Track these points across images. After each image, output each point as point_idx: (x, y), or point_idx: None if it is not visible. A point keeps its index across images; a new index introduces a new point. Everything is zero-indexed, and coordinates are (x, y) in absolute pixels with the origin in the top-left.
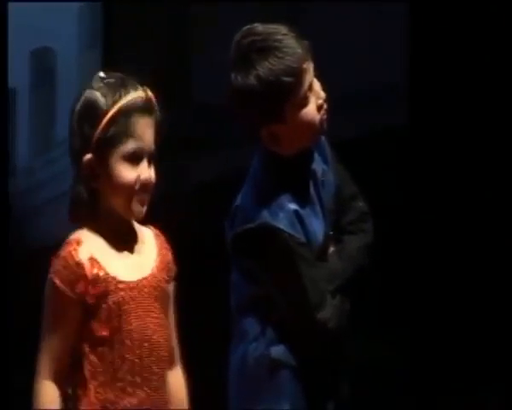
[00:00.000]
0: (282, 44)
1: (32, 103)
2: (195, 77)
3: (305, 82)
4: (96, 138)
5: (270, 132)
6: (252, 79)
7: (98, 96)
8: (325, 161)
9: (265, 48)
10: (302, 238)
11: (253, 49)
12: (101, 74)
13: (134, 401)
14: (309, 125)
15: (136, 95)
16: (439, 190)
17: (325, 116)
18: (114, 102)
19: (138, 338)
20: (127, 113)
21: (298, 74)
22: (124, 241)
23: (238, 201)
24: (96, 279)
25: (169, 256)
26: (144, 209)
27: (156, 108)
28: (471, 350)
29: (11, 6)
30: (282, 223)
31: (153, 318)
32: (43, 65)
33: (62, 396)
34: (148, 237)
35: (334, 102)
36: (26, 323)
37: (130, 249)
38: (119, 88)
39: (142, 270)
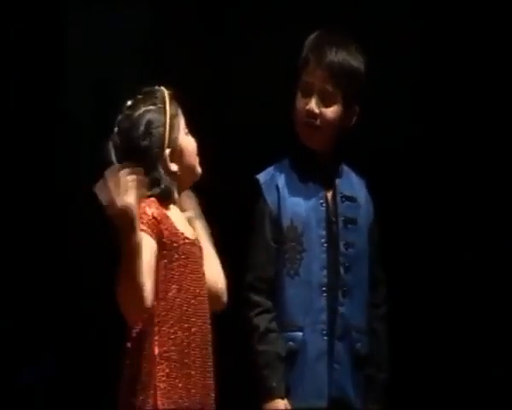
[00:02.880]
0: (322, 46)
1: None
2: None
3: (309, 76)
4: (171, 138)
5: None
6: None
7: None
8: (358, 195)
9: (321, 38)
10: (273, 207)
11: (321, 34)
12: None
13: (196, 337)
14: (296, 109)
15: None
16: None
17: (309, 125)
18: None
19: (197, 285)
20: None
21: (306, 61)
22: (178, 209)
23: None
24: (172, 232)
25: None
26: None
27: None
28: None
29: None
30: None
31: (201, 274)
32: None
33: None
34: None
35: None
36: None
37: (181, 216)
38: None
39: (191, 233)
